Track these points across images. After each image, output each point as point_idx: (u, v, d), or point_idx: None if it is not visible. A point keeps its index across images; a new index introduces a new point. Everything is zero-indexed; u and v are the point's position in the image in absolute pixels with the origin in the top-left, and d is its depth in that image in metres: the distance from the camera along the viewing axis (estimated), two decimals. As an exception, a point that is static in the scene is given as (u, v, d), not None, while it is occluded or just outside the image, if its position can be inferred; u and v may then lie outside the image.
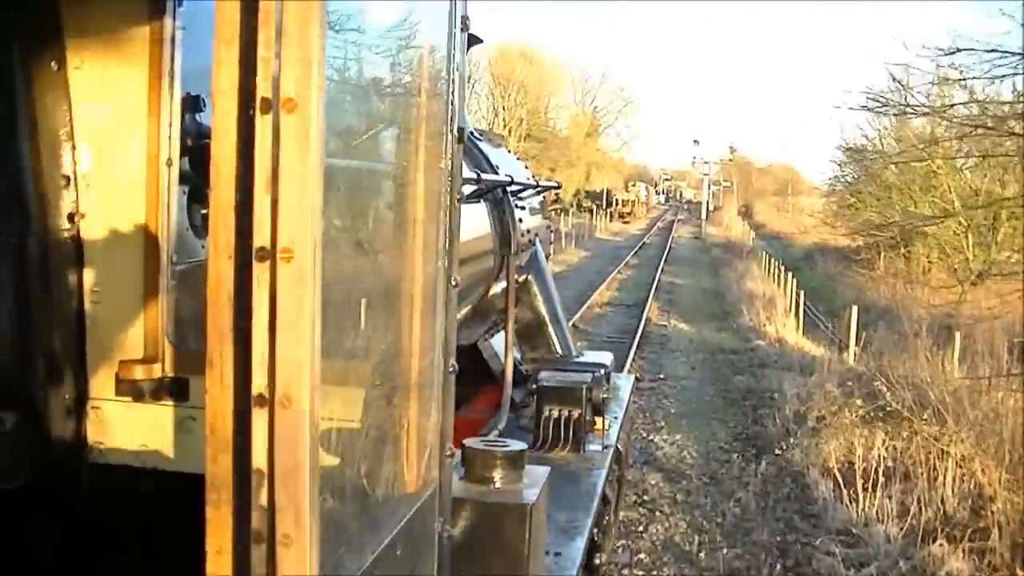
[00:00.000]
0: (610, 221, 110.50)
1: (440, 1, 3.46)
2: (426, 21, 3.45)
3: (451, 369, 3.65)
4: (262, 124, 2.20)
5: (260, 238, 2.22)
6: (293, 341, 2.25)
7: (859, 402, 18.62)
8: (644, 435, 18.08)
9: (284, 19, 2.20)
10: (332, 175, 2.63)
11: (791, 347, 28.65)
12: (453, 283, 3.63)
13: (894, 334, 24.95)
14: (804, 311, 35.83)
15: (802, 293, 37.39)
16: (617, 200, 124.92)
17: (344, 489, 2.80)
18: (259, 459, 2.29)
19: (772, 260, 54.32)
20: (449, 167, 3.49)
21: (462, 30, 3.63)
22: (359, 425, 2.99)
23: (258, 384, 2.26)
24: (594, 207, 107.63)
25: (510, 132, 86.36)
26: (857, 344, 25.78)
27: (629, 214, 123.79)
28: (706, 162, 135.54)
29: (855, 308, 27.79)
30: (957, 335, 22.65)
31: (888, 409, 17.69)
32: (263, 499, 2.30)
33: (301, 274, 2.24)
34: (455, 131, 3.55)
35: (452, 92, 3.53)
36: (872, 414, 17.83)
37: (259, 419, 2.27)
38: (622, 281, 48.60)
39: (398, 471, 3.29)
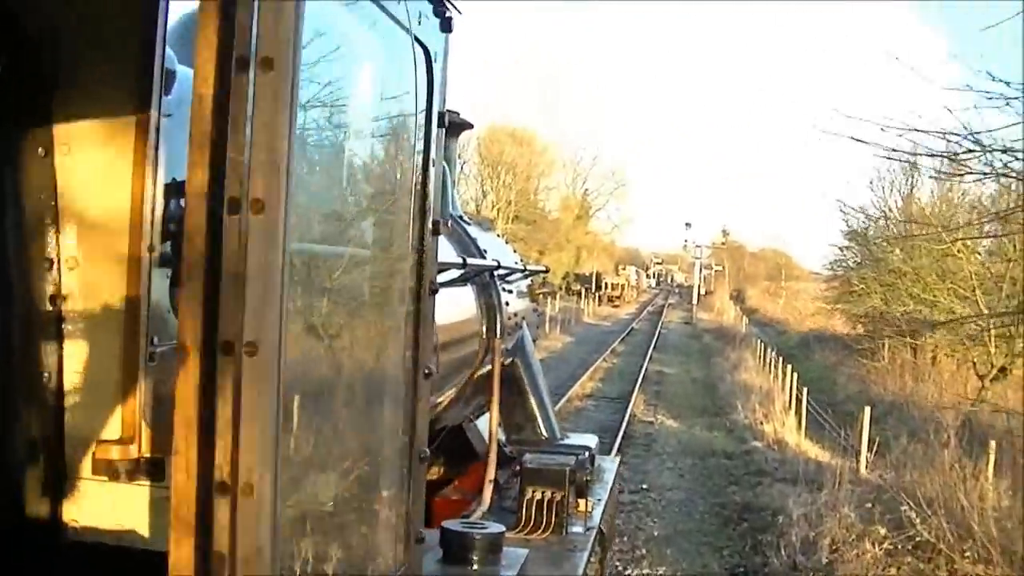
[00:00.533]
0: (599, 305, 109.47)
1: (416, 99, 3.58)
2: (402, 116, 3.57)
3: (422, 456, 3.72)
4: (230, 223, 2.30)
5: (227, 332, 2.31)
6: (256, 432, 2.34)
7: (882, 530, 15.90)
8: (620, 567, 15.54)
9: (255, 125, 2.32)
10: (300, 270, 2.72)
11: (792, 451, 26.03)
12: (425, 371, 3.71)
13: (914, 440, 21.88)
14: (806, 407, 32.28)
15: (804, 388, 33.79)
16: (606, 284, 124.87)
17: (308, 572, 2.86)
18: (221, 544, 2.36)
19: (767, 348, 51.93)
20: (420, 258, 3.59)
21: (439, 125, 3.75)
22: (324, 511, 3.06)
23: (221, 472, 2.34)
24: (583, 290, 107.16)
25: (499, 213, 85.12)
26: (870, 450, 23.25)
27: (618, 298, 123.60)
28: (698, 245, 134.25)
29: (868, 409, 24.37)
30: (992, 443, 19.29)
31: (918, 539, 15.26)
32: (224, 584, 2.37)
33: (264, 368, 2.33)
34: (430, 224, 3.66)
35: (427, 187, 3.64)
36: (899, 546, 15.30)
37: (222, 506, 2.35)
38: (607, 371, 46.44)
39: (365, 555, 3.35)
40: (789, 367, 38.64)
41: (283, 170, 2.34)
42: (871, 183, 48.38)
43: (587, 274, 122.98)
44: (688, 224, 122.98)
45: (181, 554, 2.37)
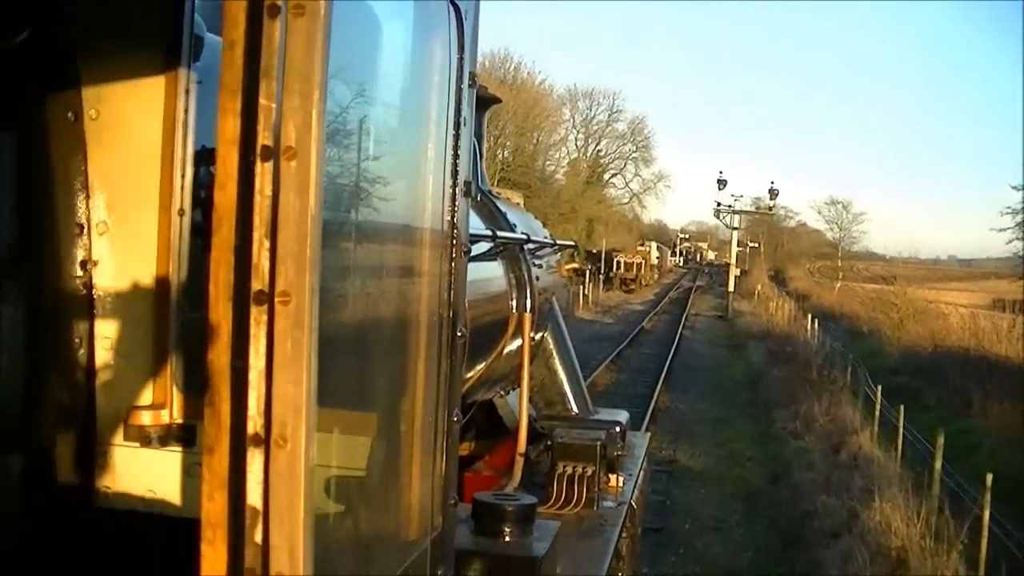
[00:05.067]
0: (607, 291, 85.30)
1: (448, 56, 3.54)
2: (432, 74, 3.53)
3: (455, 419, 3.69)
4: (262, 171, 2.27)
5: (258, 282, 2.28)
6: (289, 383, 2.31)
7: None
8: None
9: (286, 70, 2.28)
10: (333, 222, 2.69)
11: None
12: (459, 333, 3.68)
13: None
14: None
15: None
16: (618, 263, 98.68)
17: (341, 531, 2.83)
18: (254, 498, 2.33)
19: (878, 393, 27.62)
20: (452, 218, 3.56)
21: (470, 86, 3.71)
22: (358, 470, 3.03)
23: (254, 424, 2.31)
24: (587, 272, 79.09)
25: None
26: None
27: (633, 280, 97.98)
28: (736, 211, 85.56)
29: None
30: None
31: None
32: (258, 537, 2.34)
33: (299, 318, 2.29)
34: (461, 183, 3.63)
35: (458, 146, 3.60)
36: None
37: (255, 458, 2.32)
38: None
39: (399, 517, 3.32)
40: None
41: (316, 117, 2.30)
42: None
43: (595, 252, 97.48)
44: (722, 182, 79.71)
45: (214, 507, 2.34)
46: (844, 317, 65.44)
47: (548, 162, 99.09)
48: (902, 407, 24.80)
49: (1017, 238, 65.90)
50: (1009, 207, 67.54)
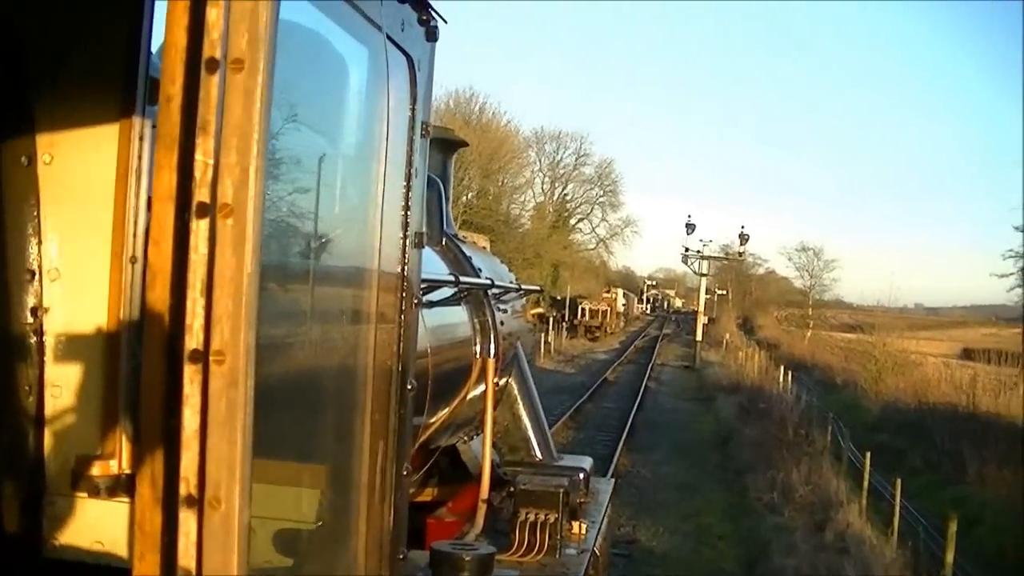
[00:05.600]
0: (570, 338, 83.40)
1: (399, 105, 3.53)
2: (382, 125, 3.51)
3: (404, 472, 3.66)
4: (198, 228, 2.24)
5: (192, 341, 2.25)
6: (224, 443, 2.27)
7: None
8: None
9: (224, 125, 2.26)
10: (277, 275, 2.66)
11: None
12: (409, 386, 3.65)
13: None
14: None
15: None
16: (583, 310, 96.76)
17: None
18: (187, 560, 2.29)
19: (868, 462, 25.36)
20: (402, 270, 3.53)
21: (422, 136, 3.70)
22: (302, 524, 2.99)
23: (187, 484, 2.27)
24: (550, 319, 77.14)
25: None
26: None
27: (599, 328, 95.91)
28: (701, 252, 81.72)
29: None
30: None
31: None
32: (190, 601, 2.30)
33: (233, 377, 2.26)
34: (412, 235, 3.60)
35: (410, 197, 3.58)
36: None
37: (188, 519, 2.28)
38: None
39: (343, 572, 3.28)
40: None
41: (254, 174, 2.27)
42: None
43: (559, 298, 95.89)
44: (691, 226, 77.57)
45: (146, 568, 2.30)
46: (816, 367, 63.69)
47: (513, 205, 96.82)
48: (899, 481, 22.43)
49: (1019, 285, 65.52)
50: (1012, 250, 67.26)
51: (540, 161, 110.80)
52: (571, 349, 74.19)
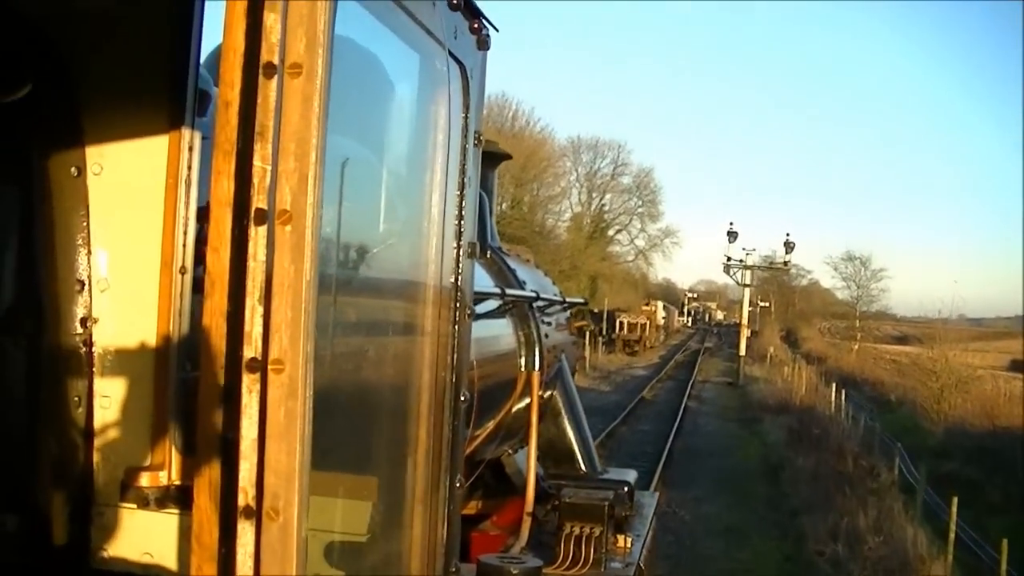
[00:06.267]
0: (608, 353, 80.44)
1: (453, 114, 3.49)
2: (437, 133, 3.48)
3: (458, 484, 3.61)
4: (256, 235, 2.21)
5: (251, 349, 2.22)
6: (282, 453, 2.24)
7: None
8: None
9: (282, 131, 2.23)
10: (333, 284, 2.63)
11: None
12: (462, 397, 3.61)
13: None
14: None
15: None
16: (621, 323, 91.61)
17: None
18: (245, 571, 2.26)
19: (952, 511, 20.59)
20: (456, 280, 3.50)
21: (475, 144, 3.66)
22: (357, 535, 2.95)
23: (245, 495, 2.24)
24: (587, 334, 69.50)
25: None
26: None
27: (637, 342, 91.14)
28: (744, 262, 77.72)
29: None
30: None
31: None
32: (248, 612, 2.26)
33: (292, 387, 2.23)
34: (466, 244, 3.57)
35: (463, 206, 3.55)
36: None
37: (246, 530, 2.25)
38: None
39: (397, 586, 3.24)
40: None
41: (312, 180, 2.24)
42: None
43: (596, 311, 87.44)
44: (733, 233, 74.07)
45: (203, 581, 2.27)
46: (867, 383, 60.00)
47: (548, 216, 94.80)
48: (1004, 543, 17.97)
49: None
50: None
51: (576, 171, 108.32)
52: (608, 365, 70.87)
